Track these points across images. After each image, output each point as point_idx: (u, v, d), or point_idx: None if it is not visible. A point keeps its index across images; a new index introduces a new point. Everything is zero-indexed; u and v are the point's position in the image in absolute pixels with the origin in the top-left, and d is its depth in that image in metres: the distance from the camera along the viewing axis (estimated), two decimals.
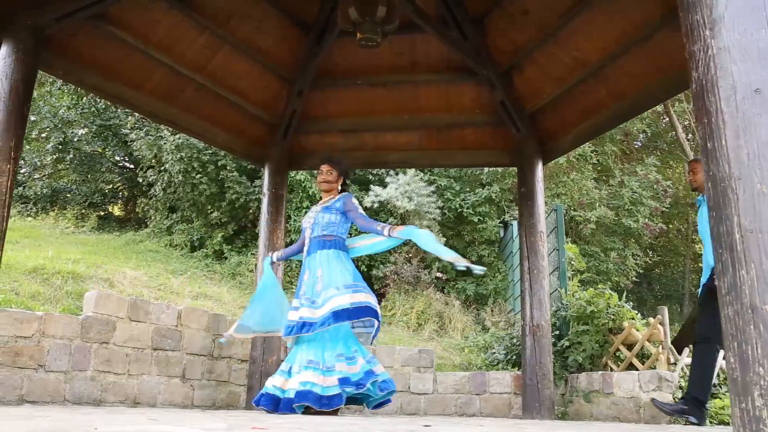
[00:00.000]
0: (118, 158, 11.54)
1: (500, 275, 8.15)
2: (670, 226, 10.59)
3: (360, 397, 3.49)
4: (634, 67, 4.19)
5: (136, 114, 9.97)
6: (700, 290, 3.87)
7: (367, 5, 3.38)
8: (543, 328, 4.51)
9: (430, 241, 3.63)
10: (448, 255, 3.57)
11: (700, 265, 15.30)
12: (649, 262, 10.20)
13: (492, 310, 7.57)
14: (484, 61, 4.67)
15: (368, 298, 3.56)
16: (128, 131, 9.64)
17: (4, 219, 3.38)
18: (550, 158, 5.21)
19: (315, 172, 8.39)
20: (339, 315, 3.42)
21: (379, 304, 8.05)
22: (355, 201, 3.87)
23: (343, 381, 3.35)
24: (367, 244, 3.88)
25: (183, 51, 4.44)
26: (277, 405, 3.39)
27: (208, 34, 4.45)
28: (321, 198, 4.04)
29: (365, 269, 8.21)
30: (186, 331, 4.66)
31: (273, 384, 3.49)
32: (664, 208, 8.89)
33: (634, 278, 8.38)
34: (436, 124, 5.22)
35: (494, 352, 5.40)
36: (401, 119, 5.20)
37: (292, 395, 3.31)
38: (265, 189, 5.08)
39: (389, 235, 3.64)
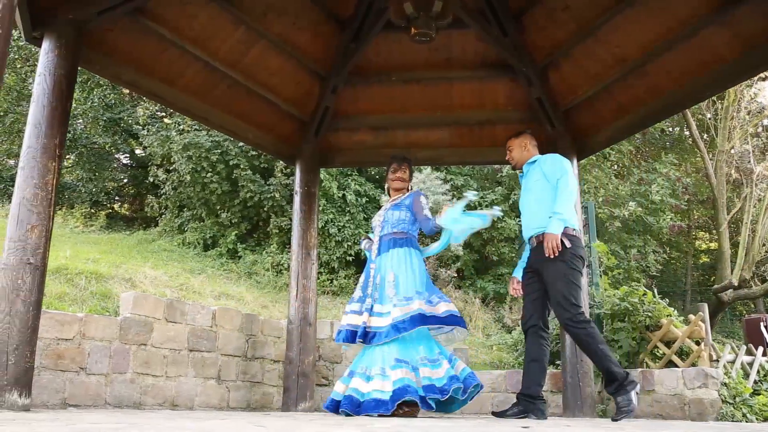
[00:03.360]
0: (125, 155, 11.39)
1: None
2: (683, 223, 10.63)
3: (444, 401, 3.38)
4: (676, 64, 4.17)
5: (147, 110, 9.85)
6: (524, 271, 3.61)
7: (423, 0, 3.33)
8: None
9: (461, 228, 3.64)
10: (477, 221, 3.61)
11: (700, 261, 15.52)
12: (668, 258, 10.24)
13: (511, 308, 7.55)
14: (523, 57, 4.64)
15: (448, 307, 3.55)
16: (139, 128, 9.50)
17: (51, 218, 3.29)
18: (585, 155, 5.19)
19: (335, 170, 8.46)
20: (415, 320, 3.40)
21: None
22: (423, 199, 3.81)
23: (428, 388, 3.28)
24: (435, 247, 3.92)
25: (218, 46, 4.36)
26: (357, 407, 3.30)
27: (243, 28, 4.37)
28: (389, 196, 4.00)
29: None
30: (221, 331, 4.59)
31: (354, 387, 3.41)
32: (683, 206, 8.92)
33: (654, 274, 8.41)
34: (468, 121, 5.17)
35: None
36: (433, 116, 5.15)
37: (387, 397, 3.22)
38: (297, 187, 5.00)
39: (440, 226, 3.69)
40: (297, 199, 4.96)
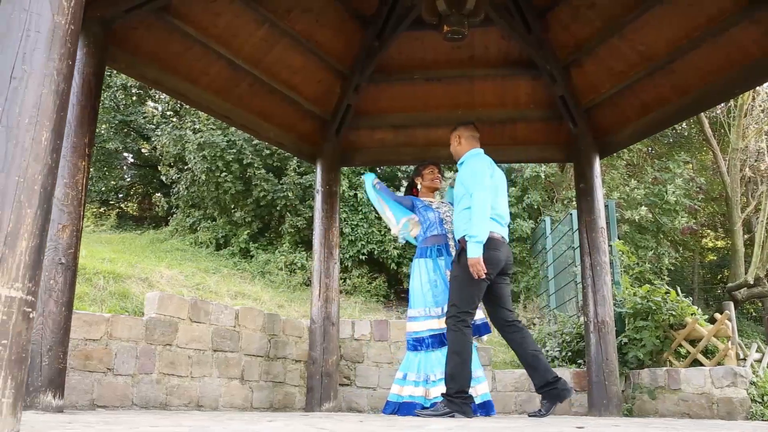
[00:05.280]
0: (132, 155, 11.36)
1: (532, 272, 8.13)
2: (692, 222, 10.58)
3: None
4: (704, 62, 4.14)
5: (155, 110, 9.82)
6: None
7: None
8: (608, 325, 4.47)
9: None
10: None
11: (707, 259, 15.49)
12: (680, 259, 10.20)
13: (525, 307, 7.54)
14: (547, 54, 4.62)
15: None
16: (152, 128, 9.46)
17: (81, 217, 3.26)
18: (607, 153, 5.17)
19: (347, 168, 8.46)
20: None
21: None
22: None
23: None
24: None
25: (241, 44, 4.34)
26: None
27: (267, 26, 4.35)
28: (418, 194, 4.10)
29: (395, 267, 8.14)
30: (243, 331, 4.57)
31: (416, 393, 3.47)
32: (697, 206, 8.88)
33: (665, 277, 8.36)
34: (490, 119, 5.13)
35: (548, 350, 5.36)
36: (454, 114, 5.09)
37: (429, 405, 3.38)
38: (318, 186, 4.97)
39: None
40: (318, 198, 4.93)
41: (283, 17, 4.35)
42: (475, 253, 3.19)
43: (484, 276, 3.23)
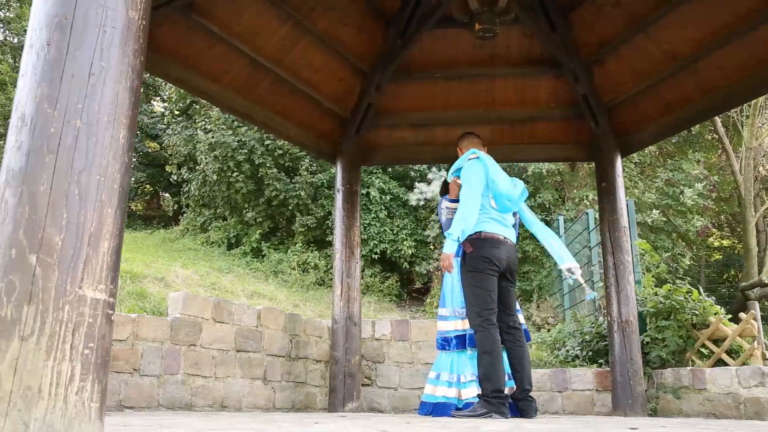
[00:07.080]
0: (140, 154, 11.32)
1: (545, 271, 8.11)
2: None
3: None
4: (730, 60, 4.11)
5: (167, 110, 9.77)
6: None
7: None
8: (632, 324, 4.46)
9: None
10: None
11: (713, 258, 15.51)
12: (695, 260, 10.16)
13: (538, 306, 7.53)
14: (571, 53, 4.60)
15: None
16: (164, 127, 9.42)
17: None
18: (629, 152, 5.15)
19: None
20: None
21: (423, 300, 7.98)
22: None
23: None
24: None
25: (264, 42, 4.31)
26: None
27: (290, 24, 4.32)
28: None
29: (407, 266, 8.12)
30: (266, 331, 4.54)
31: (449, 394, 3.47)
32: (710, 204, 8.84)
33: (682, 277, 8.33)
34: (510, 118, 5.12)
35: (568, 349, 5.35)
36: (474, 113, 5.10)
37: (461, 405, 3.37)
38: (338, 185, 4.95)
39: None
40: (339, 197, 4.90)
41: (306, 15, 4.32)
42: (447, 248, 3.33)
43: (453, 272, 3.45)
